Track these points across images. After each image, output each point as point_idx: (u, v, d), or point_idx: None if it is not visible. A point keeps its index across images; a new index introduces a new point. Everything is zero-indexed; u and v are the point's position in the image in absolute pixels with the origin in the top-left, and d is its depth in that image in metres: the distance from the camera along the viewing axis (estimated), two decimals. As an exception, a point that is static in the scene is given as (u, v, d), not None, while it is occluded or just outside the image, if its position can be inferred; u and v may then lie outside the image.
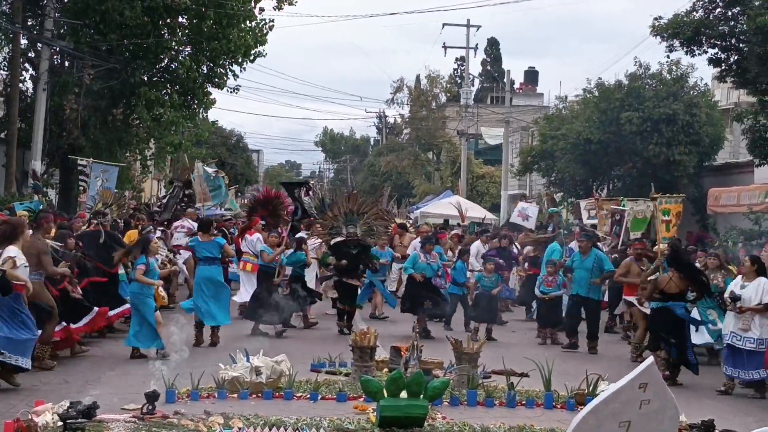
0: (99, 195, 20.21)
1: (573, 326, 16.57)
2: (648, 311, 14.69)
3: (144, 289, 13.52)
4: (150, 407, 9.20)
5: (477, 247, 21.03)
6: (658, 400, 6.14)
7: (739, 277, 13.27)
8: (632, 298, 16.14)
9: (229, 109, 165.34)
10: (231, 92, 29.11)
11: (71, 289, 13.46)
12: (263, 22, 27.60)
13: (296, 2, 27.92)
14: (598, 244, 18.31)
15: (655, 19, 22.62)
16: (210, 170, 23.69)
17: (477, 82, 66.39)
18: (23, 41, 25.11)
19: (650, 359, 6.25)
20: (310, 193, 19.35)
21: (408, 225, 27.02)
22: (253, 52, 27.37)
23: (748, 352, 12.51)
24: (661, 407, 6.17)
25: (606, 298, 18.30)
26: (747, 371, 12.55)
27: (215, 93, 28.56)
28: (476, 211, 35.70)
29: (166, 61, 26.93)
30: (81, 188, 21.13)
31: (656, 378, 6.18)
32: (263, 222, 20.59)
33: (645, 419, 6.11)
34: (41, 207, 17.19)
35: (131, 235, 17.20)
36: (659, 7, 57.83)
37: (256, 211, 22.25)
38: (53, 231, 13.97)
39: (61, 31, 25.01)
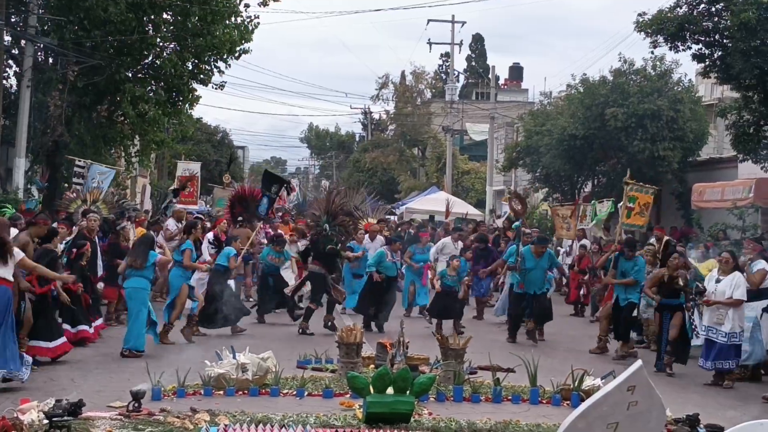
0: (87, 193, 20.15)
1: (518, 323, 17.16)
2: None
3: (142, 285, 13.72)
4: (136, 405, 9.20)
5: (444, 243, 20.98)
6: (646, 401, 6.18)
7: (715, 270, 13.54)
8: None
9: (214, 105, 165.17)
10: (216, 89, 29.03)
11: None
12: (248, 18, 27.53)
13: (281, -2, 27.89)
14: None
15: (639, 15, 22.65)
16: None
17: (462, 78, 66.53)
18: (6, 38, 24.92)
19: (639, 362, 6.30)
20: (290, 191, 19.61)
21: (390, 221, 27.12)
22: (238, 48, 27.27)
23: (723, 345, 12.87)
24: (648, 407, 6.22)
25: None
26: (720, 361, 12.93)
27: (200, 89, 28.48)
28: (459, 207, 35.74)
29: (150, 57, 26.80)
30: (75, 188, 21.07)
31: (644, 380, 6.22)
32: (240, 218, 20.62)
33: (632, 420, 6.16)
34: (37, 206, 17.29)
35: (140, 233, 17.35)
36: (643, 3, 58.05)
37: (234, 207, 22.31)
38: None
39: (45, 27, 24.85)
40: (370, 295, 17.83)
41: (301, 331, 16.46)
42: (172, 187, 22.57)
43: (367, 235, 20.13)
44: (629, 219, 17.93)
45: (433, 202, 37.93)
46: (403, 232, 26.62)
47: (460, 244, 20.81)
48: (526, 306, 17.02)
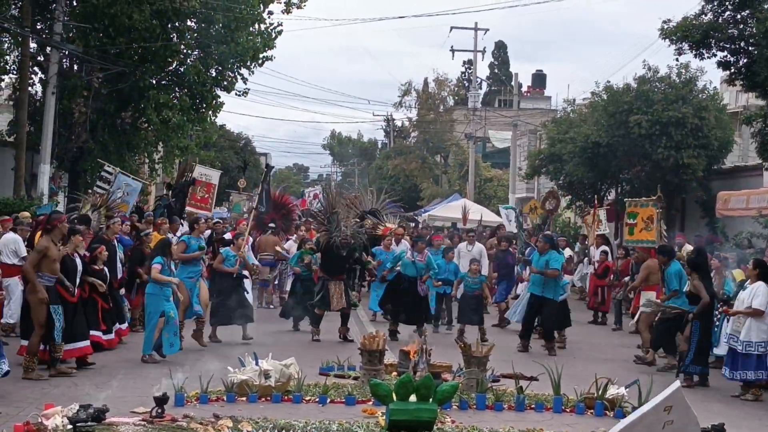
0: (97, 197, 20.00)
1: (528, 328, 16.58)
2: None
3: (158, 290, 13.69)
4: (159, 410, 9.23)
5: (459, 248, 20.77)
6: (681, 420, 6.20)
7: (749, 280, 13.28)
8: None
9: (237, 112, 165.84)
10: (239, 95, 29.17)
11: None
12: (271, 25, 27.66)
13: (305, 6, 27.98)
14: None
15: (664, 22, 22.57)
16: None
17: (485, 85, 66.40)
18: (32, 45, 25.16)
19: (677, 383, 6.29)
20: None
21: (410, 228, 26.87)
22: (261, 55, 27.40)
23: (740, 354, 12.59)
24: (684, 426, 6.22)
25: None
26: (742, 371, 12.58)
27: (223, 96, 28.60)
28: (476, 214, 35.03)
29: (174, 64, 26.97)
30: (97, 192, 20.79)
31: (681, 400, 6.22)
32: (273, 225, 20.56)
33: None
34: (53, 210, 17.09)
35: (156, 238, 17.18)
36: (668, 10, 57.90)
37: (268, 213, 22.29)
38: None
39: (70, 34, 25.05)
40: (390, 295, 17.58)
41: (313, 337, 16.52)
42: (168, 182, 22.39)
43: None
44: (632, 236, 17.77)
45: (455, 209, 37.75)
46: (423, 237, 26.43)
47: (477, 246, 20.60)
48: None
